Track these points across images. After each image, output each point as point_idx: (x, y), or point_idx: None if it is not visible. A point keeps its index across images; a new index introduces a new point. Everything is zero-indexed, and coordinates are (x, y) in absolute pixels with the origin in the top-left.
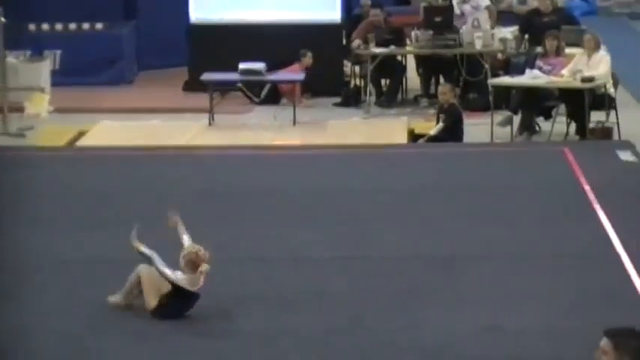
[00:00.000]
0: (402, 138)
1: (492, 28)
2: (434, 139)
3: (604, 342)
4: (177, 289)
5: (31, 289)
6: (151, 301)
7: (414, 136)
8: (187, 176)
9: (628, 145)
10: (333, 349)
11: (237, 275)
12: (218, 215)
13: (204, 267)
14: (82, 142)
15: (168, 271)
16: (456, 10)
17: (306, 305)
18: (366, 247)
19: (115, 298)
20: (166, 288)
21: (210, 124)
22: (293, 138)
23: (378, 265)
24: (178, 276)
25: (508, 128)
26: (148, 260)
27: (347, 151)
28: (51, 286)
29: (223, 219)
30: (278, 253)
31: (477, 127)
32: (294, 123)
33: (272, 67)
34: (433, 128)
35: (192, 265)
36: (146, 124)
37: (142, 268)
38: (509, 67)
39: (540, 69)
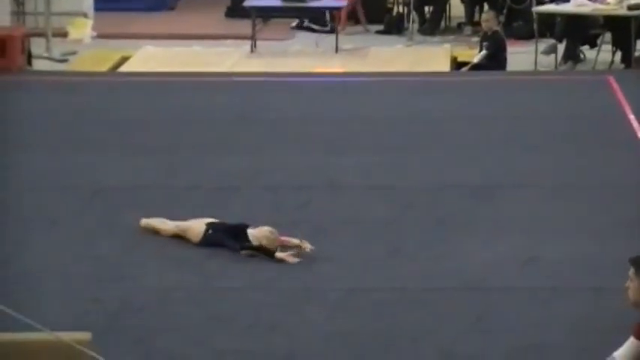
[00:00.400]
0: (445, 66)
1: None
2: (477, 67)
3: (630, 270)
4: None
5: (69, 214)
6: (194, 239)
7: (456, 64)
8: (228, 103)
9: None
10: (371, 278)
11: (274, 202)
12: (256, 142)
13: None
14: (124, 67)
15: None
16: None
17: (343, 233)
18: (404, 176)
19: (147, 222)
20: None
21: (252, 50)
22: (334, 65)
23: (416, 194)
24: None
25: (552, 56)
26: None
27: (388, 79)
28: (88, 211)
29: (261, 146)
30: (315, 180)
31: (521, 55)
32: (336, 50)
33: None
34: (476, 56)
35: (267, 249)
36: (188, 51)
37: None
38: None
39: None
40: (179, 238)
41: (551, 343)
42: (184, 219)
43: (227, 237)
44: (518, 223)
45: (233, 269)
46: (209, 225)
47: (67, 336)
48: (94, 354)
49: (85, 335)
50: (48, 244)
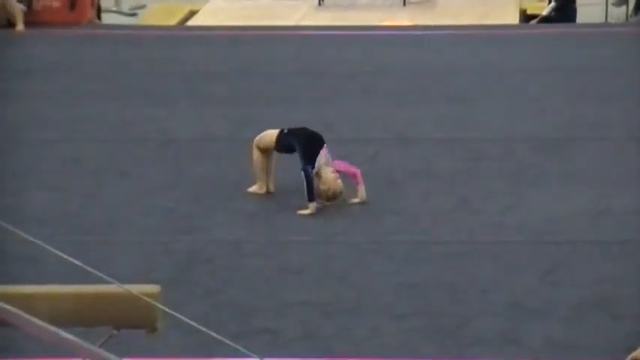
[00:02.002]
0: (514, 18)
1: None
2: (546, 19)
3: None
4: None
5: (139, 166)
6: (270, 145)
7: (525, 17)
8: (296, 56)
9: None
10: (440, 230)
11: (343, 155)
12: (325, 95)
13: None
14: (192, 21)
15: None
16: None
17: (411, 186)
18: (473, 128)
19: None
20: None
21: (319, 4)
22: (402, 18)
23: (485, 147)
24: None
25: (623, 8)
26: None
27: (457, 31)
28: (158, 163)
29: (330, 99)
30: (384, 133)
31: (591, 8)
32: (404, 3)
33: None
34: (545, 8)
35: (324, 193)
36: (256, 4)
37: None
38: None
39: None
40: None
41: (621, 297)
42: (250, 171)
43: (300, 145)
44: (588, 175)
45: (301, 223)
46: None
47: (136, 288)
48: (163, 307)
49: (155, 288)
50: (118, 196)
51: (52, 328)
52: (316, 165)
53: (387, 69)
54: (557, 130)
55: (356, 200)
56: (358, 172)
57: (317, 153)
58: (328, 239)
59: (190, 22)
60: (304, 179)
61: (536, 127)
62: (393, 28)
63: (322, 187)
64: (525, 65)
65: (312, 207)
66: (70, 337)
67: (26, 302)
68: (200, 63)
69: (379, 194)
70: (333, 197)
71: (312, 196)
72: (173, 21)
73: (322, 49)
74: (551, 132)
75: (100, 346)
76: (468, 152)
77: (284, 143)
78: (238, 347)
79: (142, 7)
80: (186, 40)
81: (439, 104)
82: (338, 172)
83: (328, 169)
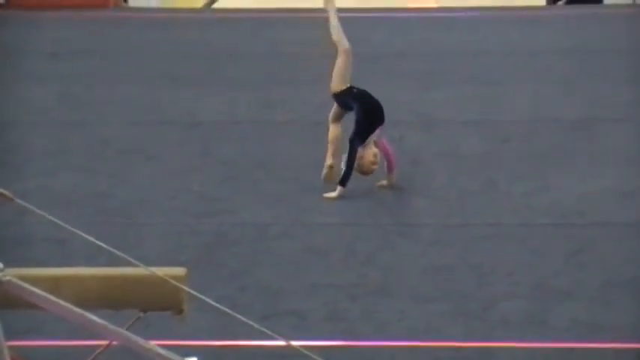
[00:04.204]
0: None
1: None
2: (573, 0)
3: None
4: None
5: (166, 148)
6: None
7: None
8: (320, 38)
9: None
10: (466, 212)
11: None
12: (352, 76)
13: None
14: (218, 4)
15: None
16: None
17: (438, 168)
18: (499, 110)
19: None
20: None
21: None
22: (429, 0)
23: (512, 128)
24: None
25: None
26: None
27: (484, 13)
28: (185, 145)
29: (356, 81)
30: (410, 115)
31: None
32: None
33: None
34: None
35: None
36: None
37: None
38: None
39: None
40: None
41: None
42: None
43: (360, 115)
44: (615, 156)
45: (327, 205)
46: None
47: (162, 271)
48: (189, 289)
49: (181, 270)
50: (144, 178)
51: (79, 311)
52: (366, 142)
53: (412, 51)
54: (584, 111)
55: (383, 183)
56: (395, 161)
57: (372, 131)
58: (354, 221)
59: (217, 5)
60: (347, 151)
61: (563, 108)
62: (418, 9)
63: (358, 161)
64: (552, 46)
65: (339, 191)
66: (96, 319)
67: (53, 285)
68: (226, 45)
69: (406, 177)
70: (360, 173)
71: (345, 180)
72: (199, 3)
73: (347, 31)
74: (578, 113)
75: (126, 329)
76: (494, 134)
77: (347, 100)
78: (264, 329)
79: None
80: (214, 22)
81: (465, 86)
82: (381, 151)
83: (372, 149)
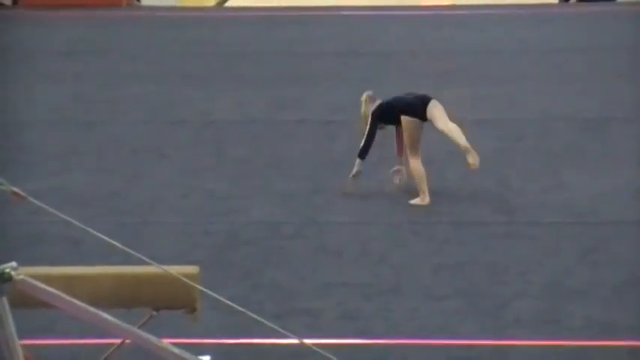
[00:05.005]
0: None
1: None
2: None
3: None
4: None
5: (178, 147)
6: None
7: None
8: (333, 36)
9: None
10: (479, 210)
11: (383, 136)
12: (361, 75)
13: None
14: (232, 2)
15: None
16: None
17: (450, 166)
18: (513, 108)
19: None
20: None
21: None
22: None
23: (525, 126)
24: None
25: None
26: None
27: (496, 11)
28: (197, 144)
29: (366, 79)
30: None
31: None
32: None
33: None
34: None
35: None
36: None
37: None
38: None
39: None
40: None
41: None
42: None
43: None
44: (628, 155)
45: (340, 204)
46: None
47: (175, 269)
48: (202, 287)
49: (194, 269)
50: (157, 177)
51: (92, 309)
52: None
53: (425, 49)
54: (597, 110)
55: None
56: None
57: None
58: (367, 220)
59: (229, 3)
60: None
61: (576, 107)
62: (431, 7)
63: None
64: (564, 44)
65: (358, 164)
66: (109, 318)
67: (67, 283)
68: (238, 44)
69: None
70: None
71: (364, 153)
72: (212, 2)
73: (360, 30)
74: (591, 111)
75: (139, 327)
76: (507, 133)
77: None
78: (277, 328)
79: None
80: (226, 21)
81: (478, 84)
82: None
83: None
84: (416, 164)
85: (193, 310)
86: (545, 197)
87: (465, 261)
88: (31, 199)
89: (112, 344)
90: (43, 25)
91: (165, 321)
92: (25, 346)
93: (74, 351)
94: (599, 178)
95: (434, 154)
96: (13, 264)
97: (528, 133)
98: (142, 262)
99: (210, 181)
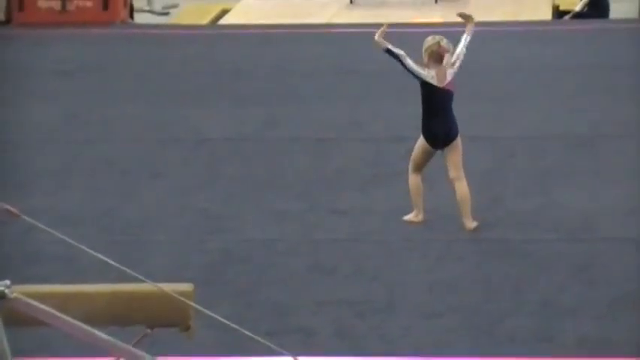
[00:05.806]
0: (547, 14)
1: None
2: (578, 15)
3: None
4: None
5: (172, 166)
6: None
7: (558, 13)
8: (327, 55)
9: None
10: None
11: (374, 154)
12: (356, 94)
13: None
14: (225, 20)
15: (419, 69)
16: None
17: (443, 184)
18: (505, 126)
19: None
20: None
21: (351, 1)
22: (434, 15)
23: (518, 144)
24: (428, 73)
25: None
26: (397, 58)
27: (490, 28)
28: (191, 163)
29: (362, 97)
30: (416, 131)
31: (624, 4)
32: (436, 0)
33: None
34: (578, 4)
35: (437, 56)
36: (287, 2)
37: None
38: None
39: None
40: None
41: None
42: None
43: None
44: (620, 173)
45: (333, 221)
46: None
47: (169, 287)
48: (196, 305)
49: (188, 286)
50: (151, 195)
51: (87, 328)
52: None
53: None
54: (591, 128)
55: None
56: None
57: None
58: (361, 237)
59: (222, 21)
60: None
61: (570, 125)
62: (424, 25)
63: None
64: (558, 62)
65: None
66: (104, 336)
67: (61, 302)
68: (232, 62)
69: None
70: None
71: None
72: (205, 20)
73: (354, 48)
74: (584, 129)
75: (133, 345)
76: (501, 150)
77: None
78: (271, 345)
79: (175, 6)
80: (219, 38)
81: (471, 102)
82: None
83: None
84: (414, 179)
85: (188, 327)
86: (538, 214)
87: (459, 278)
88: (24, 217)
89: None
90: (35, 44)
91: (159, 339)
92: None
93: None
94: (591, 195)
95: (427, 170)
96: (7, 282)
97: (521, 150)
98: (136, 280)
99: (203, 199)
